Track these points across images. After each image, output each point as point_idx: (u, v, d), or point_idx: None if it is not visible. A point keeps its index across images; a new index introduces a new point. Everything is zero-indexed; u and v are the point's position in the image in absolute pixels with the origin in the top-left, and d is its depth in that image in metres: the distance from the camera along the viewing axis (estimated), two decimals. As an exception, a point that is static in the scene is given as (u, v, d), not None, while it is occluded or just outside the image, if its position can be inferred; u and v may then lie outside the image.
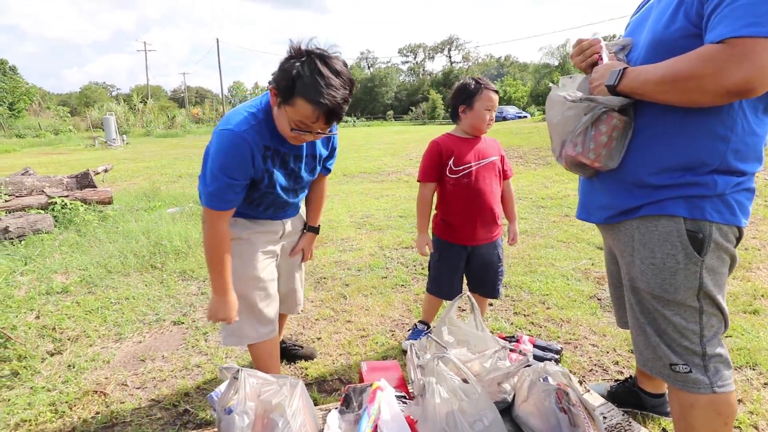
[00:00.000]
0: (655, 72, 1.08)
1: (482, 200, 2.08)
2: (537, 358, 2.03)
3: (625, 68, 1.15)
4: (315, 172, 1.74)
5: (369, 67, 77.45)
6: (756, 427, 1.72)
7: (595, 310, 2.71)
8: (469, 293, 1.83)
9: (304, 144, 1.60)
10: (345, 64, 1.39)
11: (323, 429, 1.47)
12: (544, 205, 5.51)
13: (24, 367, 2.23)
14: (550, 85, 1.33)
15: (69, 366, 2.28)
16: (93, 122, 27.48)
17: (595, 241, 3.99)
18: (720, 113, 1.09)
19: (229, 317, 1.60)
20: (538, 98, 45.88)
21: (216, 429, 1.42)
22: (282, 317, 2.16)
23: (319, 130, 1.41)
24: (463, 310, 2.71)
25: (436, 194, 2.17)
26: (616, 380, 1.93)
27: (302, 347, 2.33)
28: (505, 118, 30.19)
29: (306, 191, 1.85)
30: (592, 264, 3.47)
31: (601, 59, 1.26)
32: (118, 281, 3.40)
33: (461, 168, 2.05)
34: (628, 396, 1.80)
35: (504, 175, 2.20)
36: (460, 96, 2.07)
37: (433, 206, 2.22)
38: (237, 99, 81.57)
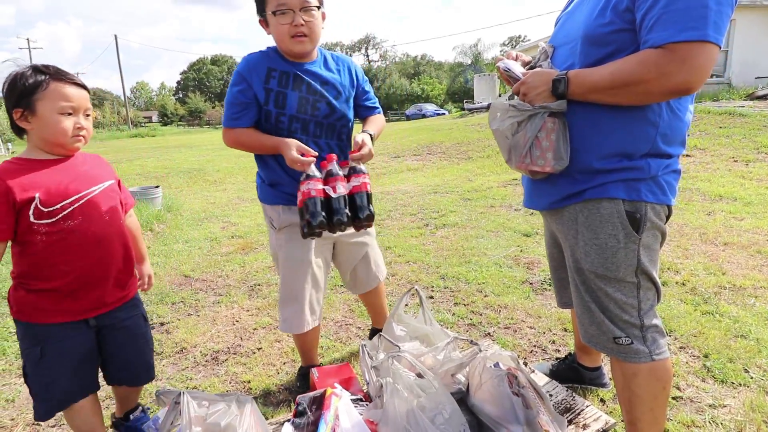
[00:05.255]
0: (601, 78, 1.14)
1: (109, 244, 1.45)
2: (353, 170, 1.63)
3: (567, 75, 1.19)
4: (338, 107, 1.75)
5: (286, 67, 75.53)
6: (678, 388, 1.89)
7: (528, 294, 2.85)
8: (416, 287, 1.82)
9: (318, 69, 1.74)
10: None
11: (277, 444, 1.38)
12: (470, 198, 5.72)
13: None
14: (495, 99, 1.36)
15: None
16: (-32, 129, 24.01)
17: (521, 228, 4.20)
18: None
19: (295, 158, 1.57)
20: (454, 96, 47.92)
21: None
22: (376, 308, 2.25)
23: (299, 7, 1.58)
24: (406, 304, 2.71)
25: (13, 255, 1.38)
26: (556, 358, 2.03)
27: None
28: (424, 116, 31.16)
29: (339, 142, 1.82)
30: (521, 251, 3.64)
31: (509, 79, 1.32)
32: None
33: (59, 207, 1.34)
34: (568, 372, 1.90)
35: (125, 206, 1.58)
36: (11, 96, 1.33)
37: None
38: (142, 101, 75.78)
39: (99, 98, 66.57)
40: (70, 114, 1.35)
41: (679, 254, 3.31)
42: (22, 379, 2.16)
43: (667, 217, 1.27)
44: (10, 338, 2.58)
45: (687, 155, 6.67)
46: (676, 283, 2.85)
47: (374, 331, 2.34)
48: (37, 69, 1.34)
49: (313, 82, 1.70)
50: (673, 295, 2.68)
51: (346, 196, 1.55)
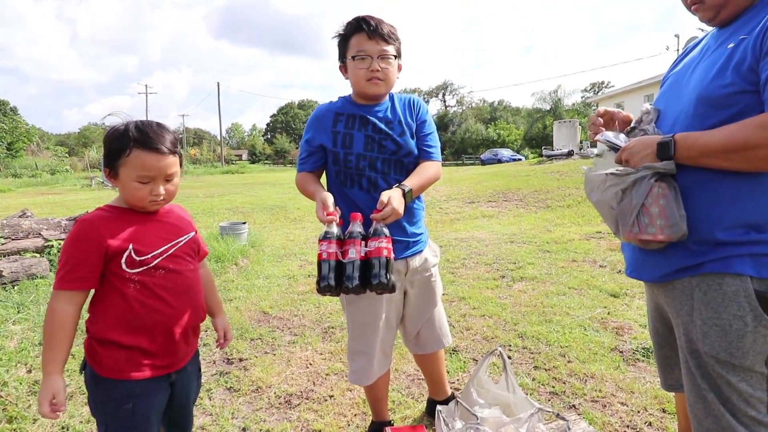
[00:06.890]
0: (714, 140, 1.06)
1: (195, 292, 1.42)
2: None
3: (674, 138, 1.13)
4: (404, 143, 1.75)
5: (365, 111, 78.98)
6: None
7: (618, 364, 2.60)
8: (500, 348, 1.72)
9: (384, 111, 1.78)
10: None
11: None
12: (549, 250, 5.45)
13: (14, 430, 2.06)
14: (583, 168, 1.34)
15: (62, 428, 2.11)
16: (91, 162, 27.59)
17: (607, 288, 3.90)
18: None
19: (318, 214, 1.60)
20: (532, 141, 47.10)
21: None
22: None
23: (377, 55, 1.66)
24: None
25: (101, 310, 1.32)
26: (656, 446, 1.80)
27: None
28: (500, 161, 30.78)
29: (400, 178, 1.73)
30: (608, 313, 3.36)
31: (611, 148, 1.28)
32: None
33: (150, 256, 1.32)
34: (671, 464, 1.67)
35: (200, 255, 1.52)
36: (104, 153, 1.35)
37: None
38: (234, 140, 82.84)
39: (198, 137, 73.67)
40: (147, 182, 1.31)
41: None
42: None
43: None
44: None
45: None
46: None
47: (431, 403, 2.14)
48: (126, 131, 1.30)
49: (378, 123, 1.73)
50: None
51: (358, 261, 1.47)
